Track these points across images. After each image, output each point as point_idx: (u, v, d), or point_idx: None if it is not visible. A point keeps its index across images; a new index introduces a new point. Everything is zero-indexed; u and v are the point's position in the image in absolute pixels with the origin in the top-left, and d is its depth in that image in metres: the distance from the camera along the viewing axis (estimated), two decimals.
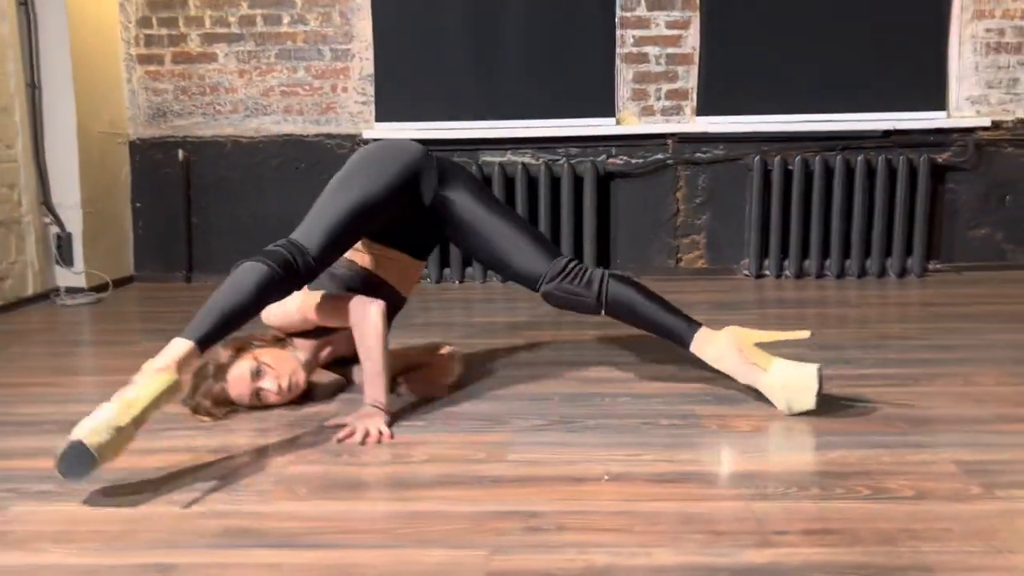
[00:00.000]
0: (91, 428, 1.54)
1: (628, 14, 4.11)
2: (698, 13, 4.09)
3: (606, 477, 1.61)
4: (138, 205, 4.32)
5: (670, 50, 4.13)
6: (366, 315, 1.96)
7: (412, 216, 2.13)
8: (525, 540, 1.35)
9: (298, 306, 2.04)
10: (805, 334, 2.03)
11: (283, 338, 2.14)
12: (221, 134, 4.27)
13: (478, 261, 2.57)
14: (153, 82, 4.26)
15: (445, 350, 2.28)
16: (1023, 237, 4.16)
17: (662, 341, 2.08)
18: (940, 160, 4.08)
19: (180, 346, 1.72)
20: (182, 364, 1.70)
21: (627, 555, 1.30)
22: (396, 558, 1.30)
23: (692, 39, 4.12)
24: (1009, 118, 4.10)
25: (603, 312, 2.06)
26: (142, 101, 4.27)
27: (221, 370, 2.06)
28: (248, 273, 1.86)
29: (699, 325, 2.05)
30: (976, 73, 4.08)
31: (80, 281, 3.92)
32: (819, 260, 4.09)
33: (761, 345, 2.01)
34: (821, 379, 1.91)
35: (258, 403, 2.08)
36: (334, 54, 4.20)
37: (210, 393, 2.04)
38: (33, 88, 3.76)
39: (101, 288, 3.95)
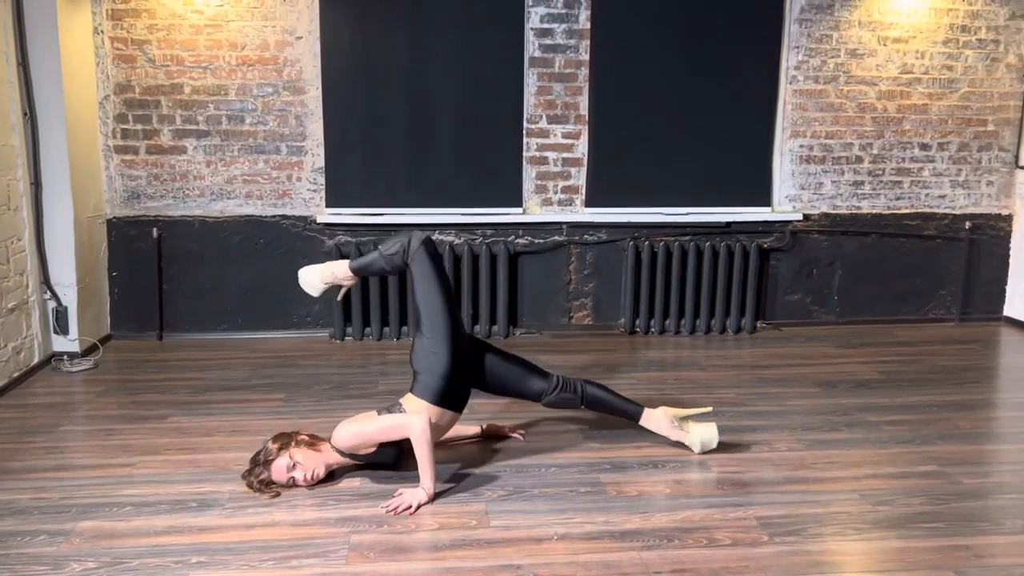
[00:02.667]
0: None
1: (532, 126, 5.15)
2: (587, 127, 5.17)
3: (556, 537, 2.67)
4: (115, 274, 5.02)
5: (565, 155, 5.20)
6: (412, 429, 2.93)
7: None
8: None
9: (370, 432, 2.98)
10: (707, 409, 3.39)
11: (314, 444, 3.06)
12: (190, 214, 5.02)
13: (489, 391, 3.35)
14: (128, 169, 4.95)
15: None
16: (824, 301, 5.51)
17: (616, 418, 3.38)
18: (765, 245, 5.35)
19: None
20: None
21: None
22: None
23: (582, 147, 5.20)
24: (816, 212, 5.42)
25: (584, 406, 3.28)
26: (119, 185, 4.96)
27: (268, 461, 2.98)
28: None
29: (642, 408, 3.34)
30: (792, 178, 5.37)
31: (75, 347, 4.62)
32: (677, 319, 5.30)
33: (678, 416, 3.35)
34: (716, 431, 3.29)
35: (292, 484, 3.01)
36: (290, 150, 5.03)
37: (260, 476, 2.96)
38: (36, 186, 4.41)
39: (91, 350, 4.67)
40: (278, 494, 2.94)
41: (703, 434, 3.32)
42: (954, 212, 5.53)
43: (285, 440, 3.04)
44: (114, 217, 4.98)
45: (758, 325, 5.42)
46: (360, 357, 4.77)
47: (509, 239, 5.20)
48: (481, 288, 5.13)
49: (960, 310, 5.60)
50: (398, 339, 5.12)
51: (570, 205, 5.26)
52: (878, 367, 4.60)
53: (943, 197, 5.51)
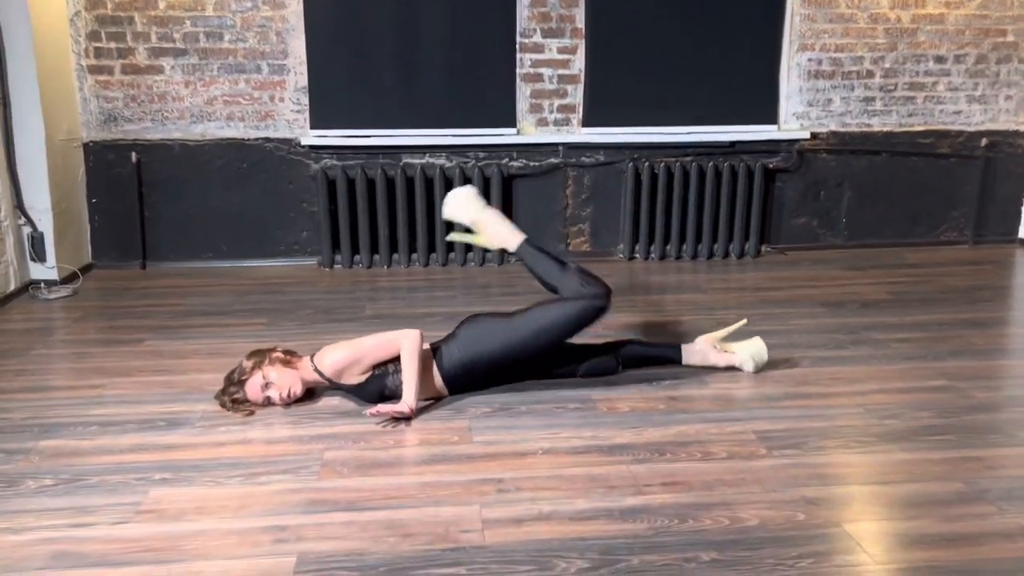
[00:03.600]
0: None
1: (526, 40, 4.89)
2: (583, 41, 4.92)
3: (540, 451, 2.52)
4: (94, 200, 4.84)
5: (561, 71, 4.96)
6: (404, 341, 2.75)
7: None
8: (499, 498, 2.25)
9: (359, 351, 2.79)
10: (743, 322, 3.22)
11: (290, 360, 2.90)
12: (169, 138, 4.82)
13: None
14: (104, 90, 4.74)
15: None
16: (832, 224, 5.30)
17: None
18: (771, 165, 5.12)
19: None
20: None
21: (560, 504, 2.21)
22: (422, 514, 2.17)
23: (579, 63, 4.95)
24: (824, 130, 5.18)
25: (622, 368, 3.08)
26: (94, 107, 4.75)
27: (242, 380, 2.83)
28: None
29: (679, 347, 3.13)
30: (800, 95, 5.12)
31: (53, 274, 4.47)
32: (677, 245, 5.10)
33: (718, 339, 3.16)
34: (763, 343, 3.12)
35: (267, 404, 2.85)
36: (271, 68, 4.80)
37: (233, 395, 2.82)
38: (4, 105, 4.21)
39: (71, 278, 4.51)
40: (252, 412, 2.80)
41: (752, 350, 3.14)
42: (969, 129, 5.28)
43: (259, 358, 2.88)
44: (91, 141, 4.79)
45: (762, 249, 5.22)
46: (349, 284, 4.61)
47: (503, 161, 4.99)
48: None
49: (974, 232, 5.38)
50: (388, 267, 4.95)
51: (567, 125, 5.03)
52: (887, 288, 4.41)
53: (958, 113, 5.26)
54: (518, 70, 4.92)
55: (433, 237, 4.94)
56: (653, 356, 3.15)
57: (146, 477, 2.37)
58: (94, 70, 4.72)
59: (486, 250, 4.46)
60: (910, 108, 5.21)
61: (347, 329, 3.66)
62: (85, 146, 4.78)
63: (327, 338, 3.36)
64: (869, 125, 5.21)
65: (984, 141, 5.27)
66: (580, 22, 4.89)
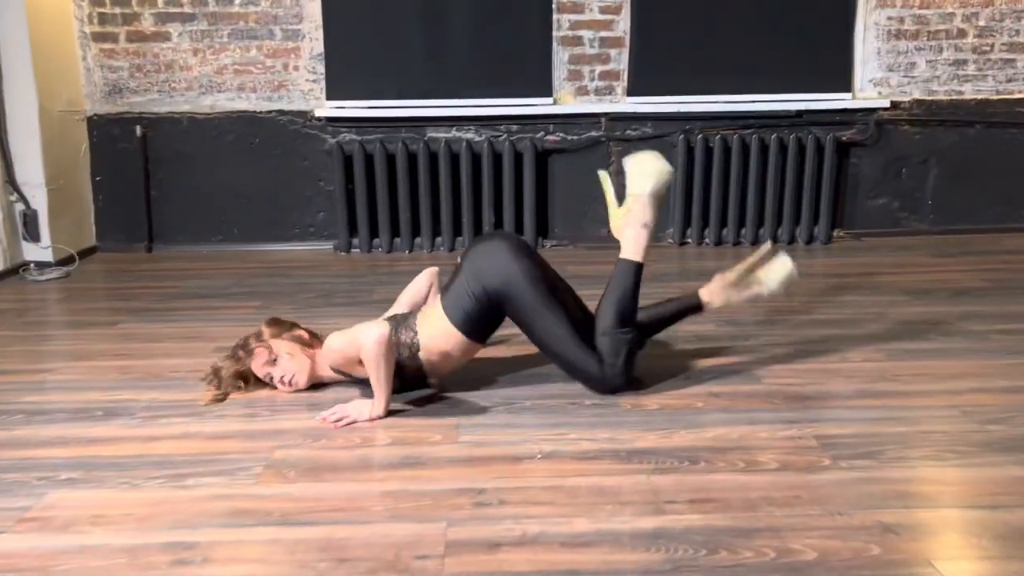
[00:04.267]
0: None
1: None
2: (629, 0, 4.38)
3: (539, 455, 2.00)
4: (98, 179, 4.51)
5: (603, 34, 4.43)
6: (363, 345, 2.18)
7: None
8: (474, 514, 1.74)
9: (338, 348, 2.26)
10: (766, 246, 2.59)
11: (311, 343, 2.44)
12: (177, 111, 4.46)
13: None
14: (108, 60, 4.40)
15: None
16: (916, 206, 4.63)
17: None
18: (844, 138, 4.49)
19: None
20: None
21: (552, 524, 1.69)
22: (370, 533, 1.67)
23: (623, 24, 4.41)
24: (906, 99, 4.52)
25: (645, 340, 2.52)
26: (98, 79, 4.42)
27: (250, 349, 2.40)
28: None
29: (696, 295, 2.54)
30: (878, 58, 4.48)
31: (47, 255, 4.13)
32: (735, 229, 4.51)
33: (740, 274, 2.53)
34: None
35: (267, 383, 2.41)
36: (285, 34, 4.40)
37: (236, 362, 2.42)
38: None
39: (67, 261, 4.17)
40: (241, 387, 2.37)
41: (777, 269, 2.51)
42: None
43: (279, 329, 2.45)
44: (95, 114, 4.45)
45: (834, 234, 4.59)
46: (363, 268, 4.17)
47: (538, 135, 4.48)
48: (505, 193, 4.43)
49: None
50: (410, 251, 4.49)
51: (609, 94, 4.49)
52: (982, 275, 3.75)
53: None
54: (555, 32, 4.41)
55: (459, 218, 4.46)
56: (672, 314, 2.58)
57: (51, 476, 1.93)
58: (98, 38, 4.38)
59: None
60: (1009, 72, 4.52)
61: (346, 314, 3.20)
62: (89, 119, 4.45)
63: (322, 323, 2.91)
64: (960, 92, 4.54)
65: None
66: None
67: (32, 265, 4.07)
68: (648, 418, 2.22)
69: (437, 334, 2.31)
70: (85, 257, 4.39)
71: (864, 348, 2.75)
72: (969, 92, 4.53)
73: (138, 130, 4.42)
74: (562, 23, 4.41)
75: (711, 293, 2.55)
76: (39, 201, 4.09)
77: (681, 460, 1.97)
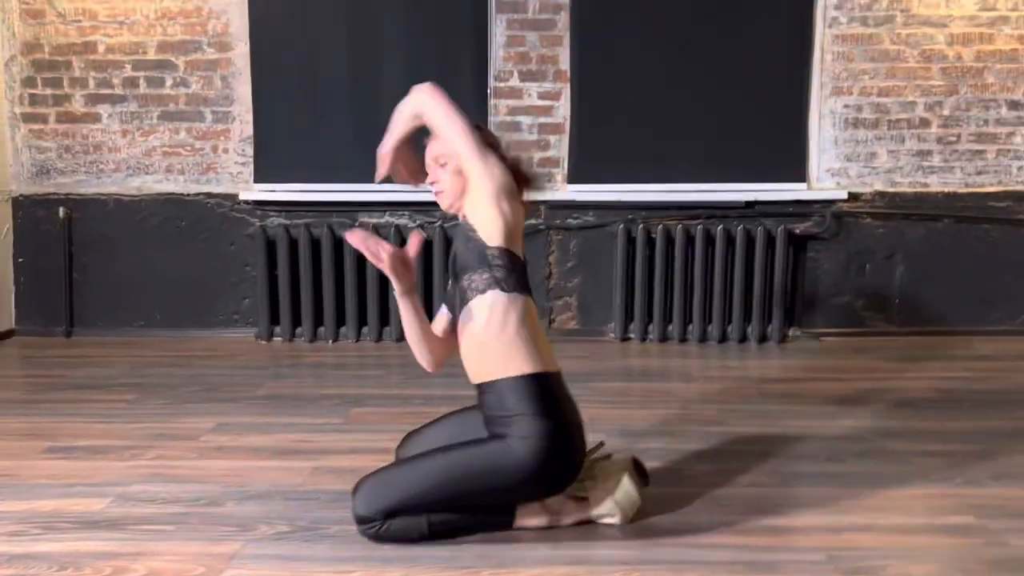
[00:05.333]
0: None
1: (501, 84, 4.22)
2: (568, 85, 4.20)
3: None
4: (20, 260, 4.38)
5: (542, 119, 4.24)
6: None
7: None
8: None
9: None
10: (600, 445, 2.16)
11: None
12: (104, 192, 4.34)
13: None
14: (37, 140, 4.33)
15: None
16: (882, 305, 4.28)
17: None
18: (798, 231, 4.19)
19: None
20: None
21: None
22: None
23: (563, 109, 4.23)
24: (867, 190, 4.23)
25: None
26: (25, 159, 4.34)
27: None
28: None
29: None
30: (836, 147, 4.21)
31: None
32: (682, 325, 4.20)
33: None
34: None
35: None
36: (215, 116, 4.29)
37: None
38: None
39: None
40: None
41: (618, 495, 2.00)
42: None
43: (492, 138, 2.15)
44: (20, 195, 4.36)
45: (789, 333, 4.24)
46: (274, 359, 3.93)
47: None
48: (435, 281, 4.20)
49: None
50: (334, 340, 4.24)
51: (549, 181, 4.27)
52: (938, 383, 3.38)
53: None
54: (492, 118, 4.23)
55: (386, 307, 4.22)
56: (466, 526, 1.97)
57: None
58: (28, 118, 4.32)
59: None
60: (978, 164, 4.21)
61: (220, 410, 2.96)
62: (14, 200, 4.35)
63: (185, 423, 2.69)
64: (926, 184, 4.23)
65: None
66: (564, 63, 4.20)
67: None
68: (457, 553, 1.90)
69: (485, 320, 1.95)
70: (2, 339, 4.23)
71: (758, 470, 2.41)
72: (936, 184, 4.23)
73: (61, 212, 4.31)
74: (500, 108, 4.24)
75: (527, 511, 2.00)
76: None
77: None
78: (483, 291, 1.94)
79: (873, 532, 2.00)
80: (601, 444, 2.19)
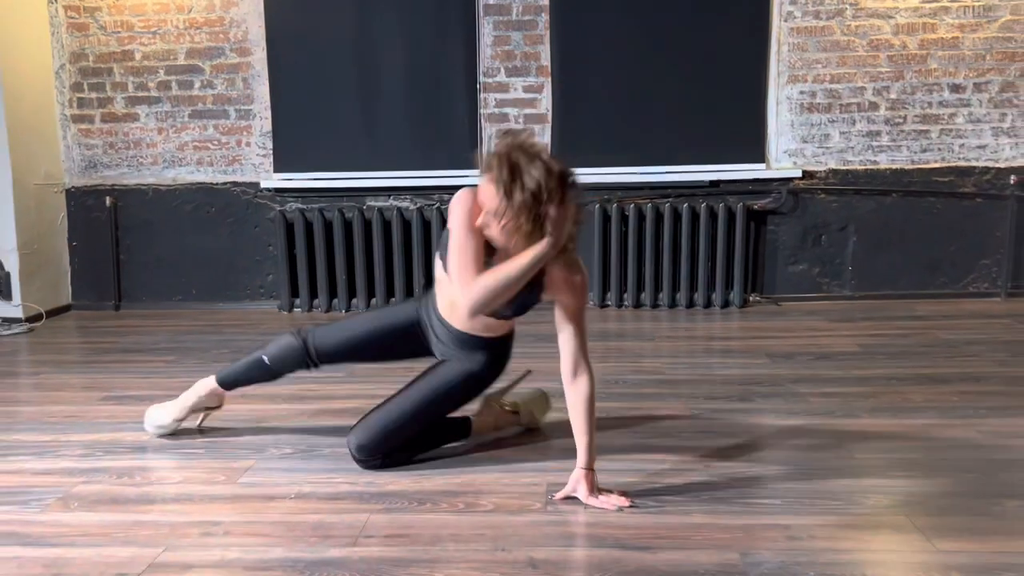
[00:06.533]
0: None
1: (490, 80, 4.73)
2: (550, 79, 4.70)
3: (293, 496, 2.26)
4: (74, 244, 5.02)
5: (527, 111, 4.75)
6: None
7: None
8: (197, 541, 2.01)
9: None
10: (526, 372, 2.78)
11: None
12: (144, 183, 4.95)
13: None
14: (85, 138, 4.94)
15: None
16: (836, 272, 4.74)
17: None
18: (757, 206, 4.66)
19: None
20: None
21: (252, 551, 1.95)
22: (97, 554, 1.96)
23: (546, 102, 4.73)
24: (822, 168, 4.68)
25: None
26: (76, 154, 4.96)
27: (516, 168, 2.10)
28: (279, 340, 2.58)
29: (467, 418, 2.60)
30: (792, 130, 4.66)
31: (18, 312, 4.62)
32: (653, 292, 4.71)
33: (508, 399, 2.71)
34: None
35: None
36: (238, 114, 4.86)
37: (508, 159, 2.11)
38: None
39: (36, 318, 4.66)
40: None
41: (535, 405, 2.73)
42: (998, 165, 4.64)
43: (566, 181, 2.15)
44: (72, 187, 4.98)
45: (750, 299, 4.73)
46: (291, 327, 4.49)
47: None
48: (434, 257, 4.74)
49: (1009, 282, 4.67)
50: (347, 310, 4.83)
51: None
52: (864, 340, 3.86)
53: (983, 148, 4.63)
54: (481, 110, 4.75)
55: (391, 279, 4.79)
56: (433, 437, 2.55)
57: None
58: (76, 119, 4.93)
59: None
60: (923, 143, 4.64)
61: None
62: (67, 191, 4.98)
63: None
64: (875, 162, 4.68)
65: (1014, 179, 4.60)
66: (546, 59, 4.69)
67: (0, 321, 4.56)
68: (419, 467, 2.46)
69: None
70: (59, 314, 4.88)
71: (674, 406, 2.93)
72: (884, 162, 4.66)
73: (108, 200, 4.93)
74: (488, 101, 4.75)
75: (479, 421, 2.64)
76: (11, 264, 4.59)
77: (411, 502, 2.20)
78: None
79: (747, 449, 2.52)
80: (528, 372, 2.79)
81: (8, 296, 4.61)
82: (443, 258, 2.38)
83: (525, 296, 2.22)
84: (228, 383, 2.70)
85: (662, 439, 2.62)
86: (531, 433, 2.70)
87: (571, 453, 2.28)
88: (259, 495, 2.28)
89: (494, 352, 2.50)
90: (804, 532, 1.97)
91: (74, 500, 2.27)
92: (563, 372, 2.22)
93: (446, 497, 2.22)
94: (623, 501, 2.12)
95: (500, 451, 2.56)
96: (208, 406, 2.77)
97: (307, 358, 2.57)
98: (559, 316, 2.23)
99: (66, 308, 5.00)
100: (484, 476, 2.36)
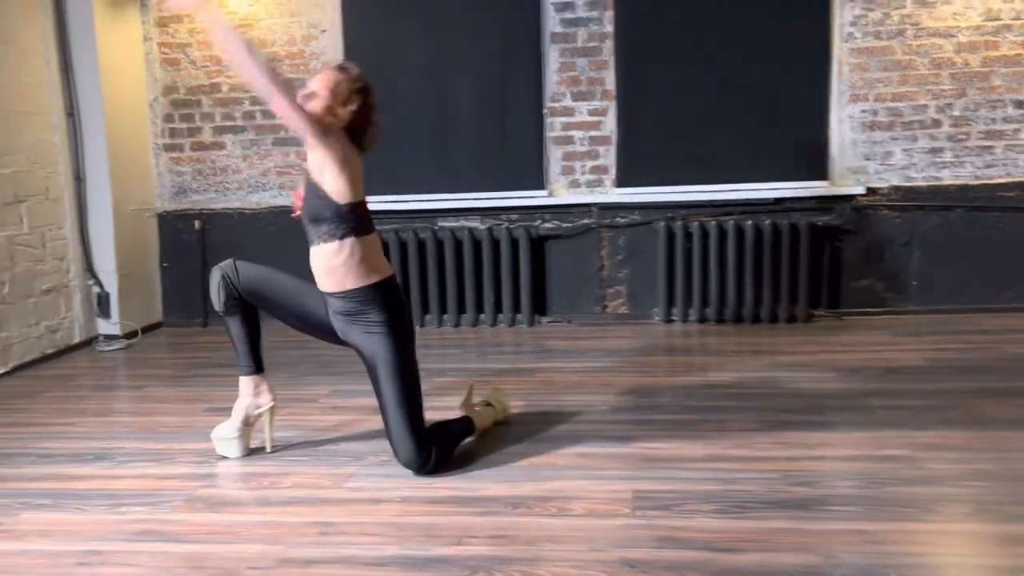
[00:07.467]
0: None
1: (556, 104, 4.92)
2: (614, 103, 4.87)
3: (398, 499, 2.45)
4: (165, 265, 5.33)
5: (592, 133, 4.92)
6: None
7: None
8: (315, 540, 2.21)
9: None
10: (470, 387, 3.12)
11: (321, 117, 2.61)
12: (230, 207, 5.24)
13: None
14: (175, 166, 5.25)
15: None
16: (900, 287, 4.81)
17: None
18: (820, 223, 4.76)
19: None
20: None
21: (366, 549, 2.14)
22: (228, 550, 2.17)
23: (610, 124, 4.90)
24: (884, 185, 4.76)
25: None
26: (167, 181, 5.27)
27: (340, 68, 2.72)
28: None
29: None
30: (854, 148, 4.75)
31: (116, 330, 4.93)
32: (718, 307, 4.82)
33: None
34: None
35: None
36: None
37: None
38: (79, 180, 4.78)
39: (132, 335, 4.96)
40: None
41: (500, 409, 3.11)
42: None
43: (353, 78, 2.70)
44: (164, 211, 5.30)
45: (815, 314, 4.82)
46: None
47: (534, 223, 4.98)
48: (503, 275, 4.94)
49: None
50: (421, 326, 5.04)
51: (599, 186, 4.96)
52: (929, 354, 3.93)
53: None
54: (548, 133, 4.94)
55: (462, 297, 4.99)
56: (456, 432, 2.85)
57: (30, 502, 2.54)
58: (168, 148, 5.25)
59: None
60: (987, 159, 4.69)
61: (337, 381, 3.77)
62: (159, 216, 5.30)
63: (306, 390, 3.55)
64: (939, 178, 4.74)
65: None
66: (610, 84, 4.87)
67: (101, 338, 4.87)
68: (509, 472, 2.63)
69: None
70: (151, 331, 5.18)
71: (747, 418, 3.06)
72: (948, 178, 4.72)
73: (197, 224, 5.23)
74: (555, 125, 4.94)
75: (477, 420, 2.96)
76: (111, 284, 4.91)
77: (506, 505, 2.37)
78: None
79: (823, 460, 2.64)
80: (471, 385, 3.16)
81: (107, 314, 4.92)
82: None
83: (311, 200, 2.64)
84: (243, 365, 2.93)
85: (738, 449, 2.75)
86: (616, 441, 2.85)
87: (651, 462, 2.43)
88: (366, 499, 2.47)
89: (371, 305, 2.65)
90: (882, 537, 2.09)
91: (198, 502, 2.49)
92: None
93: (538, 502, 2.39)
94: None
95: (583, 460, 2.71)
96: (259, 405, 2.92)
97: (227, 275, 2.81)
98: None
99: (157, 325, 5.30)
100: (571, 483, 2.52)
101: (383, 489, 2.54)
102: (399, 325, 2.69)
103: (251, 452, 2.91)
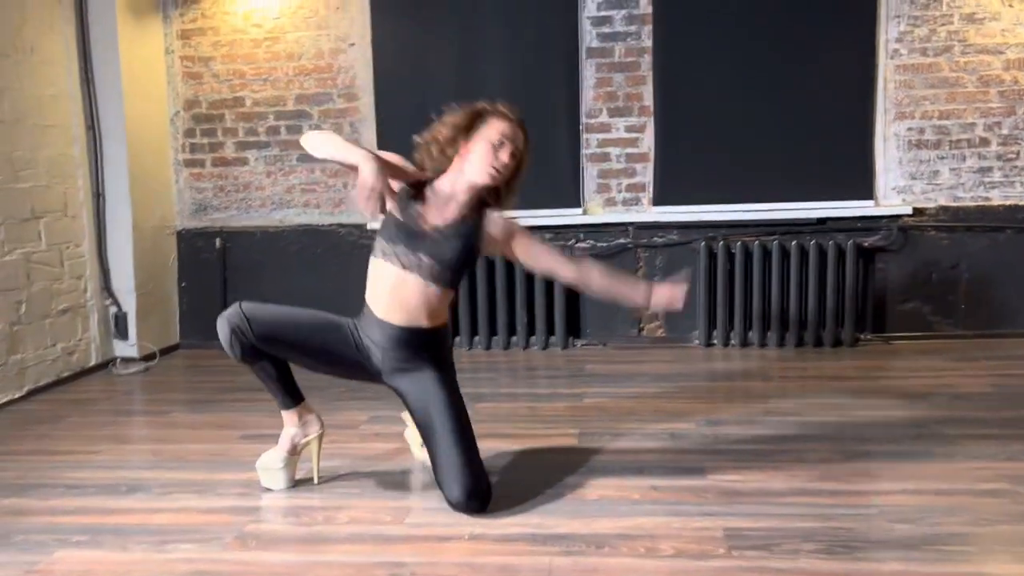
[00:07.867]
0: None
1: (592, 120, 4.78)
2: (652, 119, 4.73)
3: (467, 537, 2.26)
4: (183, 284, 5.14)
5: (629, 150, 4.78)
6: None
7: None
8: None
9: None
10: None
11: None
12: (252, 225, 5.06)
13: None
14: (196, 182, 5.08)
15: None
16: (948, 310, 4.65)
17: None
18: (867, 244, 4.61)
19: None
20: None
21: None
22: None
23: (647, 141, 4.75)
24: (931, 205, 4.62)
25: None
26: (187, 198, 5.09)
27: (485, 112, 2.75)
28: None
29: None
30: (900, 167, 4.61)
31: (133, 352, 4.73)
32: (761, 331, 4.65)
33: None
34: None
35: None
36: None
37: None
38: (98, 197, 4.60)
39: (150, 357, 4.76)
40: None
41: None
42: None
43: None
44: (183, 229, 5.11)
45: (861, 337, 4.65)
46: None
47: (569, 242, 4.81)
48: (536, 296, 4.76)
49: None
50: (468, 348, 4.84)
51: (636, 204, 4.80)
52: (994, 379, 3.76)
53: None
54: (584, 151, 4.79)
55: (494, 319, 4.81)
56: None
57: (65, 539, 2.34)
58: (189, 163, 5.08)
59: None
60: None
61: (370, 407, 3.58)
62: (178, 233, 5.11)
63: (341, 416, 3.34)
64: (987, 198, 4.60)
65: None
66: (648, 99, 4.72)
67: (119, 360, 4.67)
68: (581, 507, 2.44)
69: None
70: (168, 353, 4.98)
71: (826, 448, 2.88)
72: (997, 198, 4.59)
73: (218, 242, 5.05)
74: (591, 142, 4.79)
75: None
76: (129, 304, 4.71)
77: (589, 544, 2.18)
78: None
79: (918, 494, 2.46)
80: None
81: (125, 336, 4.72)
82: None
83: (462, 255, 2.56)
84: (280, 402, 2.73)
85: (823, 482, 2.57)
86: (688, 473, 2.67)
87: (731, 497, 2.25)
88: (432, 535, 2.28)
89: (434, 346, 2.59)
90: None
91: (251, 539, 2.29)
92: (568, 276, 2.70)
93: (623, 541, 2.20)
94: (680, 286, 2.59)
95: (658, 493, 2.53)
96: (307, 434, 2.74)
97: (238, 327, 2.54)
98: (523, 251, 2.71)
99: (174, 347, 5.10)
100: (652, 519, 2.33)
101: (448, 525, 2.35)
102: (448, 364, 2.67)
103: (297, 483, 2.71)
